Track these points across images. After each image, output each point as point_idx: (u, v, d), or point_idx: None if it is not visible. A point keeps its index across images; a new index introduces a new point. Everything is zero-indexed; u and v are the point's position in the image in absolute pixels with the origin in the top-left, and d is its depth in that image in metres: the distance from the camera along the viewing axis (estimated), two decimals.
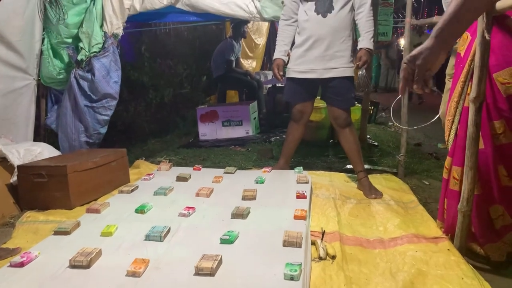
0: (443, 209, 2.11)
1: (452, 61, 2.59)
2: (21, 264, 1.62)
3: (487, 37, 1.68)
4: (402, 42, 11.76)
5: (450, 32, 1.30)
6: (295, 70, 2.81)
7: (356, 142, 2.82)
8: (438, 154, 3.90)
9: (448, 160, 2.03)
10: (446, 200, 2.06)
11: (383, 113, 6.08)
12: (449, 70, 2.62)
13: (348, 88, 2.77)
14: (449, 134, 2.05)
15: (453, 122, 2.01)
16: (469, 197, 1.84)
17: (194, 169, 3.02)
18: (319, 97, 2.95)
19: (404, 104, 3.04)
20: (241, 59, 6.41)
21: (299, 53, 2.78)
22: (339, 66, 2.71)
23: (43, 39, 3.26)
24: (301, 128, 2.96)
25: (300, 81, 2.81)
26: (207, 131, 4.71)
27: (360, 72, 2.89)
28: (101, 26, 3.26)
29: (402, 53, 3.22)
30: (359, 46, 2.72)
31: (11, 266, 1.62)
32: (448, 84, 2.62)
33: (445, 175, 2.07)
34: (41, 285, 1.45)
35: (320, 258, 1.82)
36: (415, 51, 1.31)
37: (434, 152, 3.98)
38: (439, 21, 1.30)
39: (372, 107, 5.46)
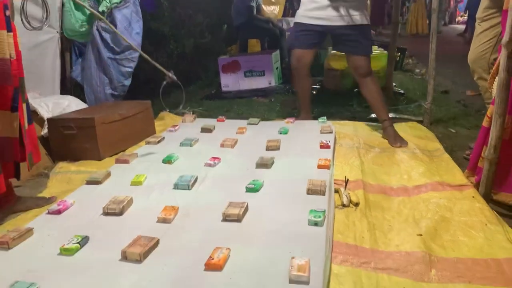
0: (477, 159, 2.08)
1: (484, 3, 2.44)
2: (58, 212, 1.71)
3: None
4: None
5: None
6: (307, 16, 2.75)
7: (378, 91, 2.78)
8: (466, 102, 3.80)
9: (490, 108, 1.95)
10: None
11: (410, 60, 5.90)
12: (480, 13, 2.48)
13: (366, 35, 2.71)
14: (494, 81, 1.97)
15: None
16: (497, 144, 1.82)
17: (218, 121, 3.05)
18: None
19: (432, 50, 2.94)
20: (263, 6, 6.23)
21: None
22: (353, 14, 2.63)
23: None
24: (306, 79, 2.95)
25: (307, 27, 2.75)
26: (229, 82, 4.69)
27: None
28: None
29: None
30: None
31: (49, 213, 1.71)
32: (479, 28, 2.49)
33: (485, 124, 2.01)
34: (78, 230, 1.53)
35: (344, 205, 1.85)
36: None
37: (462, 100, 3.89)
38: None
39: (399, 54, 5.30)
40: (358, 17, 2.65)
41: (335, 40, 2.81)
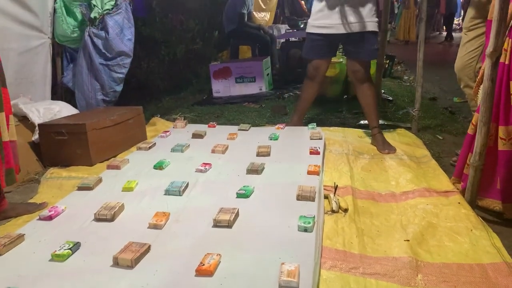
0: (463, 165, 2.11)
1: (470, 13, 2.50)
2: (50, 218, 1.71)
3: None
4: None
5: None
6: (315, 25, 2.77)
7: (373, 97, 2.80)
8: (453, 109, 3.86)
9: (475, 116, 1.98)
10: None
11: (398, 67, 5.98)
12: (466, 23, 2.54)
13: (370, 41, 2.68)
14: (479, 90, 2.01)
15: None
16: (482, 151, 1.86)
17: (209, 126, 3.07)
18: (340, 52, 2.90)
19: (420, 58, 3.00)
20: (253, 12, 6.28)
21: (320, 7, 2.71)
22: (361, 21, 2.63)
23: None
24: (316, 86, 2.95)
25: (319, 37, 2.77)
26: (221, 88, 4.71)
27: None
28: None
29: None
30: None
31: (40, 219, 1.72)
32: (465, 37, 2.55)
33: (470, 131, 2.04)
34: (69, 236, 1.54)
35: (333, 211, 1.88)
36: None
37: (449, 107, 3.95)
38: None
39: (388, 61, 5.36)
40: (366, 24, 2.63)
41: (344, 45, 2.84)
